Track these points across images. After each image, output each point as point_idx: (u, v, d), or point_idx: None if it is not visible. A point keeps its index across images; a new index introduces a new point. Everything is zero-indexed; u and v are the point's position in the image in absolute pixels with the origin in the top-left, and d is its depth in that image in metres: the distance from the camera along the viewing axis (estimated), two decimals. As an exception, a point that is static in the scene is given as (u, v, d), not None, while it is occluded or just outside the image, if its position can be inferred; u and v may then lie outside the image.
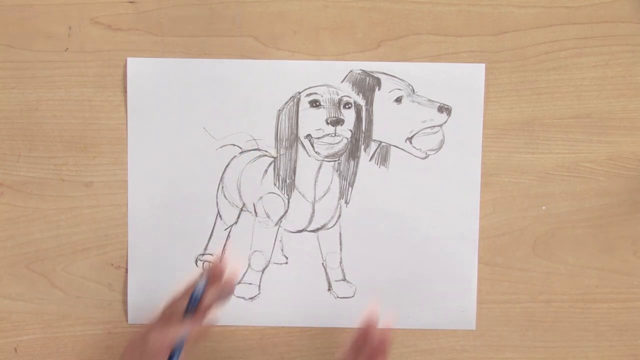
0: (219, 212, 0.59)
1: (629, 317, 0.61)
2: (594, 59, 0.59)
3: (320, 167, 0.59)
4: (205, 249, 0.59)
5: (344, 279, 0.60)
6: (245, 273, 0.60)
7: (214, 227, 0.59)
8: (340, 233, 0.60)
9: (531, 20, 0.59)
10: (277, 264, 0.60)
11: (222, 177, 0.59)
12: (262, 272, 0.60)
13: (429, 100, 0.59)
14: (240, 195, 0.59)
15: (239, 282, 0.60)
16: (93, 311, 0.60)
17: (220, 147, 0.59)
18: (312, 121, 0.59)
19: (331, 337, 0.61)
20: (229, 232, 0.60)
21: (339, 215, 0.60)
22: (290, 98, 0.59)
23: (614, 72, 0.59)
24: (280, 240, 0.60)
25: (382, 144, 0.59)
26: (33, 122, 0.59)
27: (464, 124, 0.59)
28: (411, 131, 0.59)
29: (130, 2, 0.58)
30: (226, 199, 0.59)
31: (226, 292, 0.52)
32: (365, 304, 0.60)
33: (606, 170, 0.60)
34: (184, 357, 0.49)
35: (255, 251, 0.60)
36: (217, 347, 0.61)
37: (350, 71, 0.59)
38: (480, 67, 0.59)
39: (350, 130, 0.59)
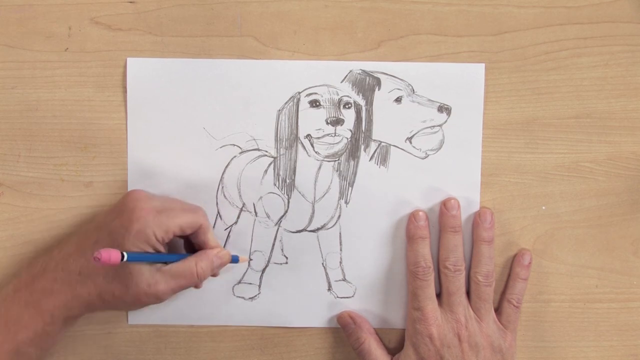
0: (218, 212, 0.59)
1: (629, 317, 0.61)
2: (594, 59, 0.59)
3: (320, 167, 0.59)
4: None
5: (344, 279, 0.60)
6: (245, 273, 0.60)
7: (214, 227, 0.59)
8: (340, 233, 0.60)
9: (531, 20, 0.59)
10: (277, 264, 0.60)
11: (222, 177, 0.59)
12: (262, 272, 0.60)
13: (429, 100, 0.59)
14: (240, 195, 0.59)
15: (239, 282, 0.60)
16: (93, 311, 0.60)
17: (220, 147, 0.59)
18: (312, 121, 0.59)
19: (331, 337, 0.61)
20: (229, 232, 0.60)
21: (339, 215, 0.60)
22: (290, 98, 0.59)
23: (614, 72, 0.59)
24: (280, 240, 0.60)
25: (382, 144, 0.59)
26: (33, 122, 0.59)
27: (464, 124, 0.59)
28: (411, 131, 0.59)
29: (130, 2, 0.58)
30: (226, 199, 0.59)
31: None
32: (365, 304, 0.60)
33: (606, 170, 0.60)
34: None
35: (255, 251, 0.60)
36: (217, 347, 0.61)
37: (350, 71, 0.59)
38: (480, 67, 0.59)
39: (350, 130, 0.59)
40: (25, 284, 0.53)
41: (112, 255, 0.46)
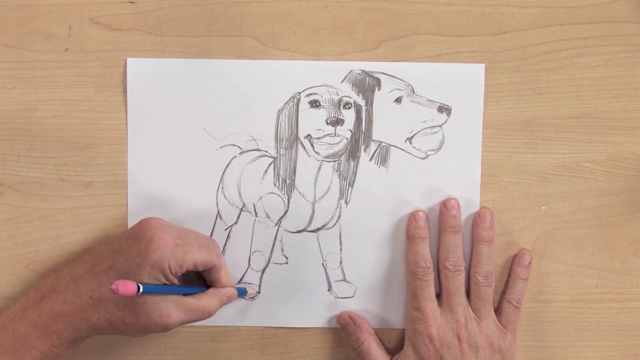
0: (219, 212, 0.59)
1: (629, 317, 0.61)
2: (594, 59, 0.59)
3: (320, 167, 0.59)
4: (205, 249, 0.59)
5: (344, 279, 0.60)
6: (245, 273, 0.60)
7: (214, 227, 0.59)
8: (340, 233, 0.60)
9: (531, 20, 0.59)
10: (277, 264, 0.60)
11: (222, 177, 0.59)
12: (262, 272, 0.60)
13: (429, 100, 0.59)
14: (240, 196, 0.59)
15: (239, 282, 0.60)
16: (93, 311, 0.60)
17: (220, 147, 0.59)
18: (312, 121, 0.59)
19: (331, 337, 0.61)
20: (229, 232, 0.60)
21: (339, 215, 0.60)
22: (290, 98, 0.59)
23: (614, 72, 0.59)
24: (280, 240, 0.60)
25: (382, 144, 0.59)
26: (33, 122, 0.59)
27: (464, 124, 0.59)
28: (411, 131, 0.59)
29: (130, 2, 0.58)
30: (226, 199, 0.59)
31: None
32: (365, 304, 0.60)
33: (606, 170, 0.60)
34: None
35: (255, 251, 0.60)
36: (217, 347, 0.61)
37: (350, 71, 0.59)
38: (480, 67, 0.59)
39: (350, 131, 0.59)
40: (33, 304, 0.53)
41: (128, 287, 0.46)
